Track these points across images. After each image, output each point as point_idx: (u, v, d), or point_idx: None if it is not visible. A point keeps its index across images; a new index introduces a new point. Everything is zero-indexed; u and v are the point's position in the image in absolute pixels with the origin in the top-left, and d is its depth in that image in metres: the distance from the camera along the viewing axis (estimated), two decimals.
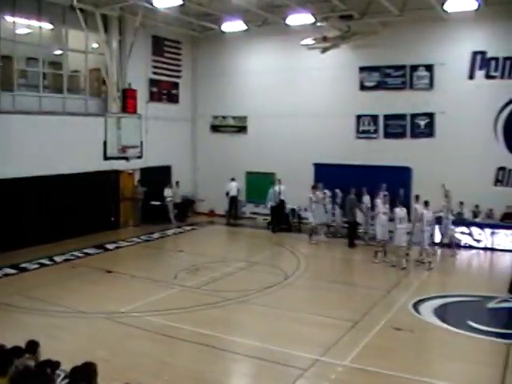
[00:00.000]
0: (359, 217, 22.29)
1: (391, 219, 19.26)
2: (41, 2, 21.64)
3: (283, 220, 25.29)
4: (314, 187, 22.96)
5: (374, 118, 24.71)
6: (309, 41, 25.19)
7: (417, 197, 20.11)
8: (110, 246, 21.99)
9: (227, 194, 27.48)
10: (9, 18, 20.93)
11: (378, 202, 20.10)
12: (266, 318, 13.81)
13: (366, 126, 24.90)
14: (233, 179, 27.37)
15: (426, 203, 19.04)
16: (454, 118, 22.85)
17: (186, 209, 28.84)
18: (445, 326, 13.11)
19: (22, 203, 20.90)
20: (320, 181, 24.17)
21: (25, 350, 7.13)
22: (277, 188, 25.05)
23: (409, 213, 19.52)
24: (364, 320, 13.41)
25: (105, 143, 21.46)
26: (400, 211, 18.86)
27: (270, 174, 26.80)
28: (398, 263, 18.89)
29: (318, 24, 23.41)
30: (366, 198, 21.54)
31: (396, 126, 24.26)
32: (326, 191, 23.11)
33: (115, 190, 25.23)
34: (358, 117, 25.02)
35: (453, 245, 20.85)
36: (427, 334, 12.93)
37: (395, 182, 22.04)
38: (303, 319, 13.57)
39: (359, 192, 21.66)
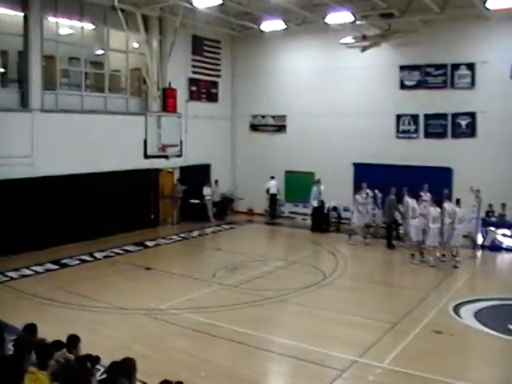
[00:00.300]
0: (399, 218, 21.94)
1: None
2: (83, 2, 22.00)
3: (323, 220, 25.04)
4: (360, 188, 22.61)
5: (415, 117, 24.40)
6: (348, 39, 25.10)
7: (457, 199, 19.69)
8: (149, 244, 22.17)
9: (267, 191, 27.58)
10: (51, 19, 21.26)
11: (411, 202, 19.88)
12: (304, 318, 13.75)
13: (406, 126, 24.62)
14: (272, 177, 27.44)
15: (458, 201, 19.01)
16: (496, 118, 22.41)
17: (225, 207, 28.92)
18: (485, 329, 12.81)
19: (64, 201, 21.24)
20: (359, 181, 23.97)
21: (65, 345, 7.20)
22: (317, 188, 24.83)
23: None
24: (403, 322, 13.23)
25: (145, 142, 21.87)
26: (434, 210, 18.86)
27: (309, 174, 26.73)
28: (435, 263, 18.84)
29: (358, 22, 23.28)
30: (407, 199, 21.09)
31: (437, 126, 23.91)
32: (369, 191, 22.75)
33: (155, 188, 25.40)
34: (398, 116, 24.76)
35: (476, 245, 20.55)
36: (467, 337, 12.68)
37: (436, 183, 21.62)
38: (341, 319, 13.48)
39: (400, 192, 21.27)
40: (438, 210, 18.82)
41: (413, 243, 19.62)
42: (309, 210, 26.09)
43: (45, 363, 6.71)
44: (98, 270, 18.05)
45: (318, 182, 24.92)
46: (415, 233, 19.42)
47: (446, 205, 18.92)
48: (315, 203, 24.66)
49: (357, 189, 23.22)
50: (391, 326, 12.86)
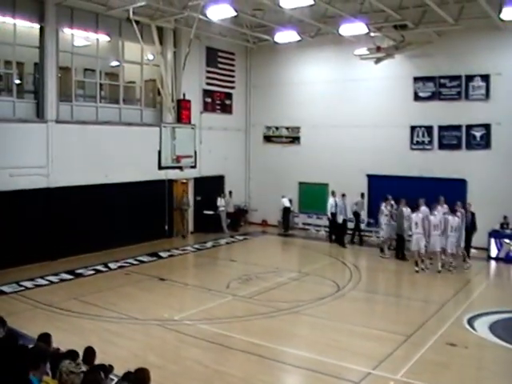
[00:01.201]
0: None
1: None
2: (98, 14, 22.18)
3: (340, 231, 24.78)
4: (386, 199, 22.33)
5: (429, 129, 24.32)
6: (362, 51, 25.04)
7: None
8: (163, 254, 22.23)
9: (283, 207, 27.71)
10: (67, 31, 21.49)
11: (414, 216, 20.09)
12: (318, 330, 13.69)
13: (420, 137, 24.53)
14: (283, 196, 27.55)
15: (453, 211, 19.69)
16: (511, 129, 22.30)
17: (239, 218, 28.94)
18: (500, 342, 12.67)
19: (79, 211, 21.38)
20: (374, 192, 24.15)
21: (82, 356, 7.23)
22: (332, 200, 24.63)
23: None
24: (417, 334, 13.14)
25: (159, 153, 21.66)
26: (434, 219, 19.53)
27: (323, 185, 26.78)
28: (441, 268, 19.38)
29: (372, 34, 23.29)
30: (424, 210, 20.88)
31: (451, 138, 23.80)
32: (393, 203, 22.32)
33: (169, 198, 25.47)
34: (413, 128, 24.70)
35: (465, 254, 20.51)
36: (482, 350, 12.58)
37: (450, 194, 21.43)
38: (355, 331, 13.42)
39: (415, 204, 20.87)
40: (438, 217, 19.59)
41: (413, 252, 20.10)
42: (322, 222, 26.02)
43: (56, 372, 6.77)
44: (113, 281, 18.12)
45: (334, 194, 24.71)
46: (414, 243, 19.86)
47: (433, 217, 19.69)
48: (341, 218, 24.32)
49: (384, 200, 22.72)
50: (405, 338, 12.78)
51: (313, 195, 27.33)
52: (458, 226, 19.51)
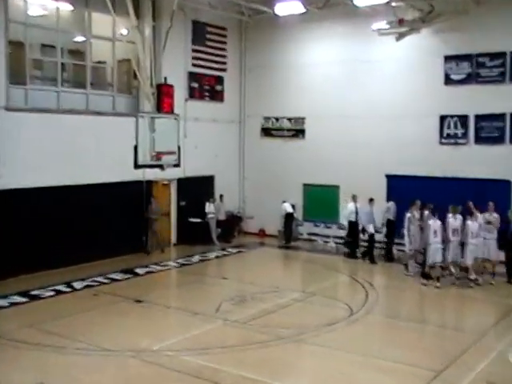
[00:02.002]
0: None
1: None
2: None
3: (370, 245, 24.44)
4: (413, 204, 22.02)
5: (463, 118, 24.22)
6: (381, 25, 25.05)
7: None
8: (140, 271, 22.13)
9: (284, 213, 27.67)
10: None
11: (432, 223, 20.21)
12: (326, 362, 13.58)
13: (452, 129, 24.45)
14: (284, 201, 27.50)
15: (472, 214, 19.99)
16: None
17: (232, 227, 28.95)
18: None
19: (35, 219, 21.04)
20: (394, 196, 24.06)
21: None
22: (352, 206, 24.52)
23: None
24: (450, 369, 12.91)
25: (136, 148, 21.80)
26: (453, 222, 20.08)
27: (333, 187, 26.90)
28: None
29: (393, 4, 23.36)
30: (458, 217, 20.57)
31: (491, 129, 23.65)
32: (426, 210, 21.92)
33: (148, 203, 25.27)
34: (442, 118, 24.66)
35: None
36: None
37: (490, 199, 21.14)
38: (372, 364, 13.29)
39: (443, 210, 20.70)
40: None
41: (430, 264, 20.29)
42: (332, 231, 26.15)
43: None
44: (78, 304, 17.95)
45: (355, 198, 24.60)
46: (432, 253, 20.08)
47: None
48: (371, 228, 24.10)
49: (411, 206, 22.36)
50: (435, 375, 12.58)
51: (320, 200, 27.35)
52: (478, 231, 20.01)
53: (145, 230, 25.00)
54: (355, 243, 24.78)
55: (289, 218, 27.65)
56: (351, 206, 24.49)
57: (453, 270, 20.11)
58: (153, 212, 25.10)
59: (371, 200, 24.03)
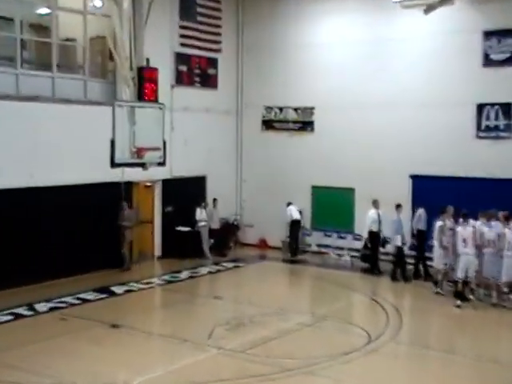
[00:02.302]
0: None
1: None
2: None
3: (400, 260, 24.10)
4: (444, 212, 21.93)
5: (506, 107, 24.21)
6: None
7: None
8: (117, 290, 22.05)
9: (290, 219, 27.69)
10: None
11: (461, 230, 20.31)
12: None
13: (492, 121, 24.37)
14: (290, 203, 27.51)
15: (508, 218, 20.14)
16: None
17: (227, 238, 29.05)
18: None
19: None
20: (419, 200, 24.10)
21: None
22: (374, 214, 24.47)
23: None
24: None
25: (112, 143, 21.52)
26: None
27: (347, 190, 26.96)
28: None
29: None
30: (493, 225, 20.54)
31: None
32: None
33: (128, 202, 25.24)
34: (480, 106, 24.61)
35: None
36: None
37: None
38: None
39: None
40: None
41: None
42: (346, 243, 26.40)
43: None
44: (42, 330, 17.77)
45: (376, 204, 24.55)
46: (462, 266, 20.14)
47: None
48: (399, 240, 23.68)
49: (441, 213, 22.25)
50: None
51: (332, 205, 27.42)
52: None
53: (119, 241, 24.81)
54: (375, 257, 24.73)
55: (295, 225, 27.68)
56: (373, 213, 24.48)
57: (487, 288, 20.16)
58: (125, 219, 24.74)
59: (398, 206, 23.89)
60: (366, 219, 24.75)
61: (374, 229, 24.37)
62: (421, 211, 23.81)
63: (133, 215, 25.11)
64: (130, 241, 25.12)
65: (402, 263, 23.89)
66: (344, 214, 26.52)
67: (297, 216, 27.52)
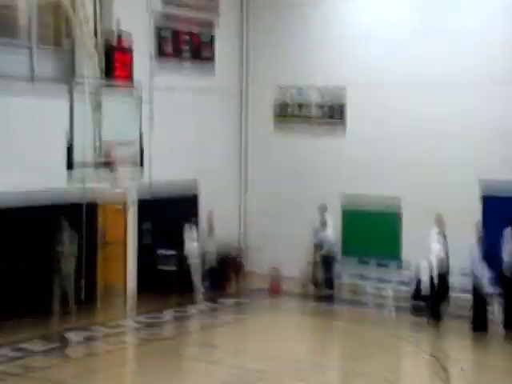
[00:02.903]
0: None
1: None
2: None
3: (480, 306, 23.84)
4: None
5: None
6: None
7: None
8: (74, 337, 21.85)
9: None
10: None
11: None
12: None
13: None
14: (323, 209, 27.26)
15: None
16: None
17: (227, 265, 28.96)
18: None
19: None
20: (495, 217, 23.72)
21: None
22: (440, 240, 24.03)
23: None
24: None
25: (69, 138, 21.21)
26: None
27: (390, 204, 27.04)
28: None
29: None
30: None
31: None
32: None
33: (89, 228, 25.16)
34: None
35: None
36: None
37: None
38: None
39: None
40: None
41: None
42: (392, 276, 26.23)
43: None
44: None
45: (440, 222, 24.17)
46: None
47: None
48: (486, 280, 23.40)
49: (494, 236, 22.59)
50: None
51: (370, 224, 27.40)
52: None
53: (90, 272, 24.97)
54: (436, 296, 24.37)
55: (325, 256, 27.50)
56: (436, 238, 24.05)
57: None
58: (64, 243, 24.21)
59: (480, 237, 23.42)
60: (429, 244, 24.08)
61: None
62: (507, 230, 23.37)
63: (75, 238, 24.51)
64: (70, 274, 24.41)
65: (482, 308, 23.61)
66: (386, 236, 26.65)
67: (330, 237, 27.38)
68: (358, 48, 27.72)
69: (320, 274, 27.68)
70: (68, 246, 24.07)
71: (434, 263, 23.91)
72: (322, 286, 27.66)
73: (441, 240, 23.86)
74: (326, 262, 27.72)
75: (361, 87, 27.75)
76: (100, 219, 25.66)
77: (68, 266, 24.08)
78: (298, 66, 29.07)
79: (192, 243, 27.04)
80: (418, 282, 24.81)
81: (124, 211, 26.39)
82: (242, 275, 29.90)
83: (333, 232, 27.45)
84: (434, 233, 23.98)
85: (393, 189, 26.74)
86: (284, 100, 29.72)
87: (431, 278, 24.14)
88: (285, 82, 29.58)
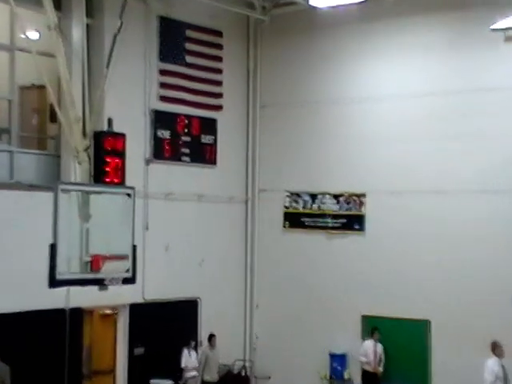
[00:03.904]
0: None
1: None
2: None
3: None
4: None
5: None
6: (509, 23, 24.36)
7: None
8: None
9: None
10: None
11: None
12: None
13: None
14: (375, 330, 26.57)
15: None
16: None
17: None
18: None
19: None
20: None
21: None
22: (495, 364, 22.47)
23: None
24: None
25: (53, 249, 20.32)
26: None
27: (418, 324, 26.09)
28: None
29: None
30: None
31: None
32: None
33: (74, 353, 24.18)
34: None
35: None
36: None
37: None
38: None
39: None
40: None
41: None
42: None
43: None
44: None
45: (499, 348, 22.83)
46: None
47: None
48: None
49: None
50: None
51: (397, 347, 26.22)
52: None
53: None
54: None
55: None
56: (493, 363, 22.50)
57: None
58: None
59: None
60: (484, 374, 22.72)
61: None
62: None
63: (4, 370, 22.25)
64: None
65: None
66: (413, 360, 25.40)
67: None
68: (377, 154, 27.12)
69: None
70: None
71: None
72: None
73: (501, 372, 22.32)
74: None
75: (380, 195, 27.20)
76: (86, 329, 24.62)
77: None
78: (311, 171, 28.61)
79: (191, 363, 26.04)
80: None
81: (113, 318, 25.49)
82: None
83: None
84: (491, 362, 22.46)
85: (420, 309, 25.73)
86: (295, 207, 28.99)
87: None
88: (296, 189, 28.92)
